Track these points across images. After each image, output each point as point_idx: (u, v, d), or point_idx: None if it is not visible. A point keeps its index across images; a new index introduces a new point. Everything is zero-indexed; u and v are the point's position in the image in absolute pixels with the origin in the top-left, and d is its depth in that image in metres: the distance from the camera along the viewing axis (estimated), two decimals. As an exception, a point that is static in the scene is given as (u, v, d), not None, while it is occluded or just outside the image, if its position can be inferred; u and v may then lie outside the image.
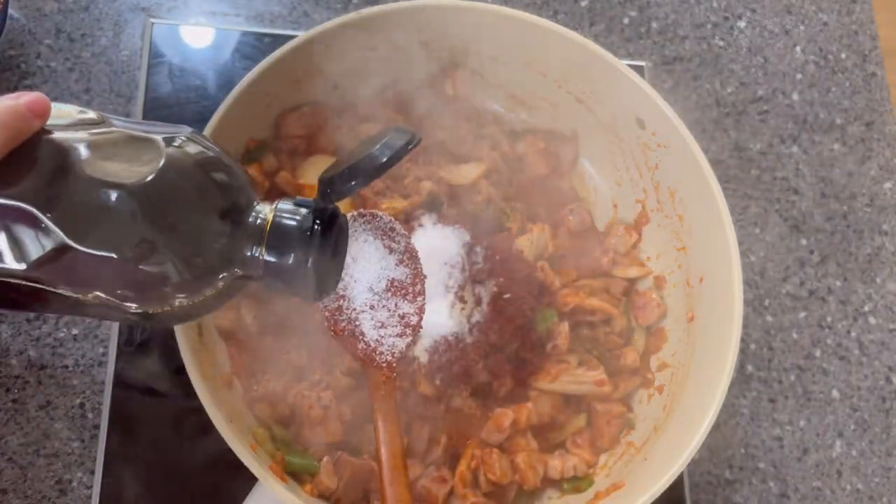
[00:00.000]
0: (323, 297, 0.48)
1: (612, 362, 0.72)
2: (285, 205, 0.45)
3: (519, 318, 0.69)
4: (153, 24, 0.84)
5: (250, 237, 0.43)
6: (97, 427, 0.71)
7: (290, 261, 0.43)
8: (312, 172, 0.73)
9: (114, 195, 0.38)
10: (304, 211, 0.45)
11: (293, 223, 0.44)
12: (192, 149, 0.42)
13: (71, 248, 0.38)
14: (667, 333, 0.73)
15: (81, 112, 0.42)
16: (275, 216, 0.44)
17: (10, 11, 0.82)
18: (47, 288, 0.39)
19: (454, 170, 0.75)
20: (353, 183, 0.46)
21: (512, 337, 0.69)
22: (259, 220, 0.44)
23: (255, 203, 0.45)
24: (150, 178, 0.39)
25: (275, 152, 0.73)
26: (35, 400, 0.72)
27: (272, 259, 0.43)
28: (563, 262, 0.76)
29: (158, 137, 0.41)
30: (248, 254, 0.43)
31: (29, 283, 0.39)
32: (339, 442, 0.66)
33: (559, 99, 0.77)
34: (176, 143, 0.42)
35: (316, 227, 0.44)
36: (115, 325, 0.73)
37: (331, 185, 0.46)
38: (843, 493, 0.81)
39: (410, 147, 0.47)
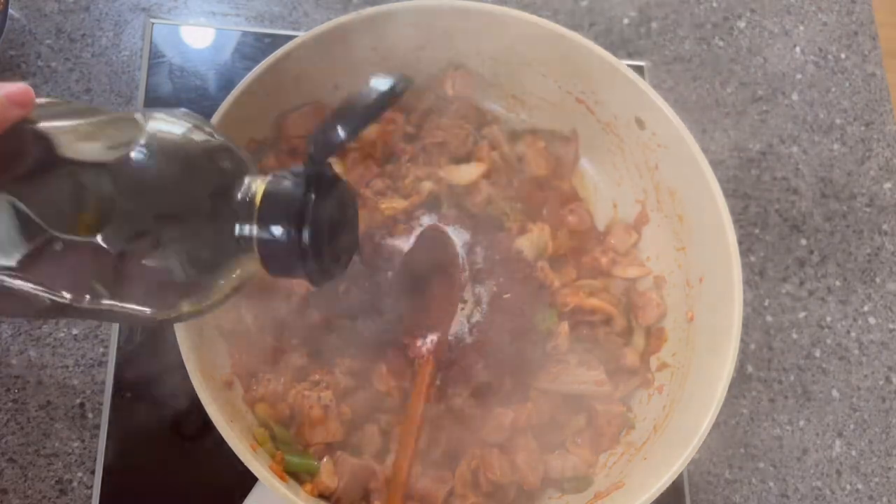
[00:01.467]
0: (331, 278, 0.43)
1: (612, 362, 0.72)
2: (279, 174, 0.40)
3: (518, 318, 0.69)
4: (153, 24, 0.84)
5: (241, 211, 0.39)
6: (97, 427, 0.71)
7: (283, 232, 0.39)
8: None
9: (92, 175, 0.37)
10: (296, 177, 0.40)
11: (285, 190, 0.39)
12: (175, 125, 0.40)
13: (55, 237, 0.36)
14: (667, 333, 0.73)
15: (67, 103, 0.41)
16: (267, 185, 0.40)
17: (11, 11, 0.82)
18: (37, 284, 0.38)
19: (454, 170, 0.75)
20: (339, 130, 0.40)
21: (512, 337, 0.69)
22: (250, 193, 0.40)
23: (248, 177, 0.41)
24: (130, 154, 0.37)
25: (275, 153, 0.73)
26: (35, 400, 0.72)
27: (265, 233, 0.39)
28: (562, 262, 0.76)
29: (139, 115, 0.39)
30: (240, 228, 0.39)
31: (17, 278, 0.38)
32: (339, 442, 0.66)
33: (559, 99, 0.77)
34: (157, 120, 0.39)
35: (310, 192, 0.39)
36: (116, 326, 0.73)
37: (316, 140, 0.41)
38: (842, 492, 0.81)
39: (400, 89, 0.42)
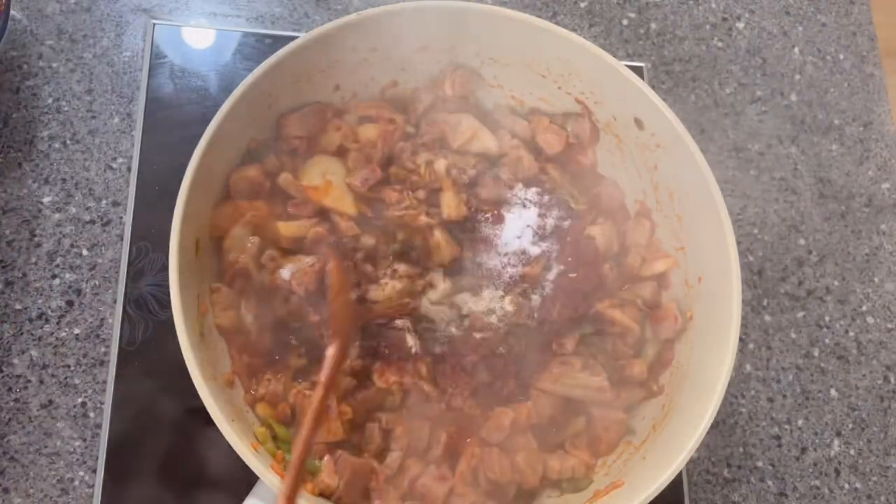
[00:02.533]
0: None
1: (618, 371, 0.72)
2: None
3: (580, 303, 0.71)
4: (155, 25, 0.85)
5: None
6: (99, 426, 0.72)
7: None
8: (314, 172, 0.73)
9: None
10: None
11: None
12: None
13: None
14: (674, 351, 0.72)
15: None
16: None
17: (12, 12, 0.83)
18: None
19: (478, 141, 0.75)
20: None
21: (571, 321, 0.71)
22: None
23: None
24: None
25: (276, 153, 0.73)
26: (37, 399, 0.72)
27: None
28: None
29: None
30: None
31: None
32: (340, 441, 0.66)
33: (559, 100, 0.78)
34: None
35: None
36: (117, 326, 0.74)
37: None
38: (841, 491, 0.81)
39: None
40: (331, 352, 0.63)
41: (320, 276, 0.69)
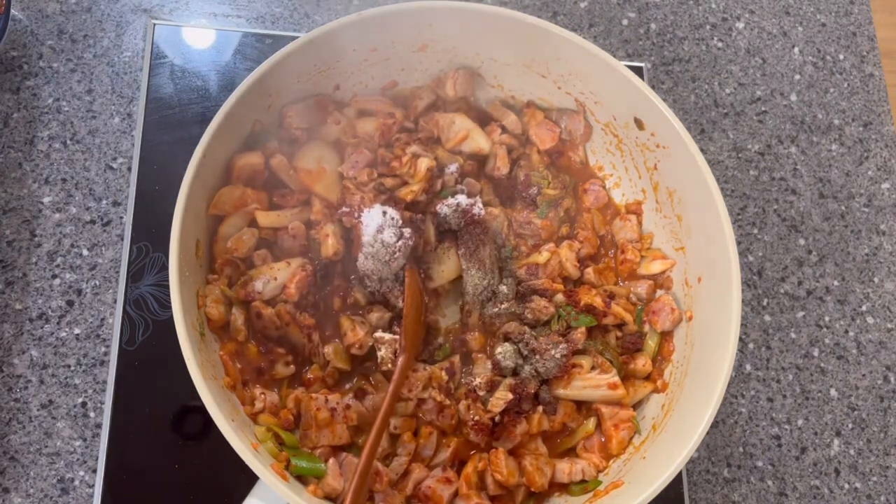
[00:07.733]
0: None
1: (623, 368, 0.72)
2: None
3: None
4: (155, 25, 0.85)
5: None
6: (99, 426, 0.72)
7: None
8: (310, 157, 0.73)
9: None
10: None
11: None
12: None
13: None
14: (673, 342, 0.73)
15: None
16: None
17: (13, 12, 0.83)
18: None
19: (470, 140, 0.76)
20: None
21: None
22: None
23: None
24: None
25: (277, 139, 0.73)
26: (37, 399, 0.72)
27: None
28: (602, 263, 0.77)
29: None
30: None
31: None
32: (345, 445, 0.66)
33: (559, 100, 0.78)
34: None
35: None
36: (117, 326, 0.74)
37: None
38: (840, 491, 0.81)
39: None
40: (400, 363, 0.66)
41: (310, 279, 0.69)
